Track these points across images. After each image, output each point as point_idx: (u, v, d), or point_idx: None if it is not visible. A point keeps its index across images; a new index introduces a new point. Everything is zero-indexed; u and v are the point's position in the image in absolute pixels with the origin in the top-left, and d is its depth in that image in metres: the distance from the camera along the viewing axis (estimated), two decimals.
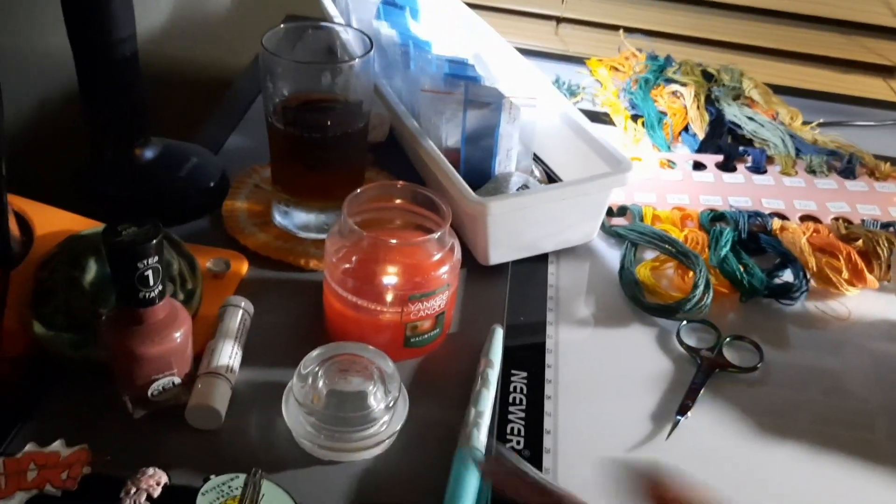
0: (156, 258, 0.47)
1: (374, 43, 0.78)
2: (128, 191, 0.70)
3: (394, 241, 0.57)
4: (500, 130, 0.69)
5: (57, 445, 0.50)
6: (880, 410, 0.60)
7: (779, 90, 1.04)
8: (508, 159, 0.72)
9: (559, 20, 1.23)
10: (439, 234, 0.57)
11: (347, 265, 0.58)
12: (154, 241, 0.47)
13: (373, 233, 0.57)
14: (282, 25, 0.65)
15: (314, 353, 0.54)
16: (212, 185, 0.73)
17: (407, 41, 0.76)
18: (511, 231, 0.67)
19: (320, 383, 0.53)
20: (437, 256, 0.58)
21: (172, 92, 1.10)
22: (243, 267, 0.66)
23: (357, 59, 0.62)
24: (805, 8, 1.19)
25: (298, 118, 0.63)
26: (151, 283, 0.48)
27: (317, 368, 0.53)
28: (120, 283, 0.48)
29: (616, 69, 1.07)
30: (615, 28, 1.16)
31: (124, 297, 0.49)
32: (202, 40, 1.18)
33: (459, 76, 0.71)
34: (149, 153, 0.71)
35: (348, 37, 0.68)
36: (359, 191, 0.59)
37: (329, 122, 0.64)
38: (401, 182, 0.61)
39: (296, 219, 0.69)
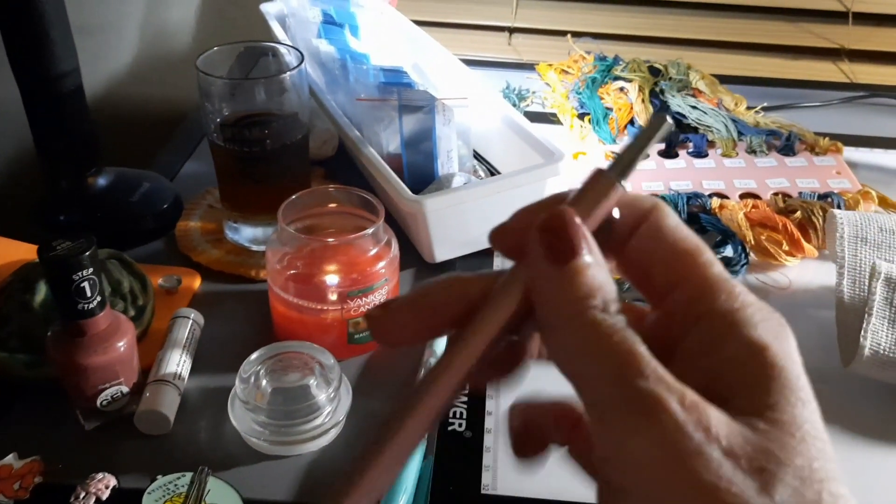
0: (90, 270, 0.49)
1: (315, 60, 0.81)
2: (84, 218, 0.73)
3: (330, 240, 0.60)
4: (437, 133, 0.72)
5: (10, 459, 0.52)
6: (825, 376, 0.62)
7: (731, 80, 1.06)
8: (450, 161, 0.74)
9: (511, 30, 1.26)
10: (373, 229, 0.59)
11: (291, 271, 0.60)
12: (87, 254, 0.49)
13: (311, 236, 0.59)
14: (216, 48, 0.68)
15: (253, 355, 0.56)
16: (165, 207, 0.75)
17: (344, 55, 0.79)
18: (453, 227, 0.69)
19: (263, 382, 0.55)
20: (374, 252, 0.60)
21: (137, 126, 1.13)
22: (195, 282, 0.69)
23: (288, 73, 0.65)
24: None
25: (237, 134, 0.66)
26: (89, 294, 0.50)
27: (258, 368, 0.55)
28: (59, 297, 0.50)
29: (565, 72, 1.10)
30: (565, 34, 1.19)
31: (65, 310, 0.51)
32: (166, 76, 1.21)
33: (393, 83, 0.74)
34: (102, 181, 0.74)
35: (290, 56, 0.71)
36: (294, 197, 0.61)
37: (267, 136, 0.66)
38: (334, 185, 0.63)
39: (245, 233, 0.72)
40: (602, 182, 0.23)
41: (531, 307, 0.23)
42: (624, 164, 0.24)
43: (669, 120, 0.24)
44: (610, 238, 0.24)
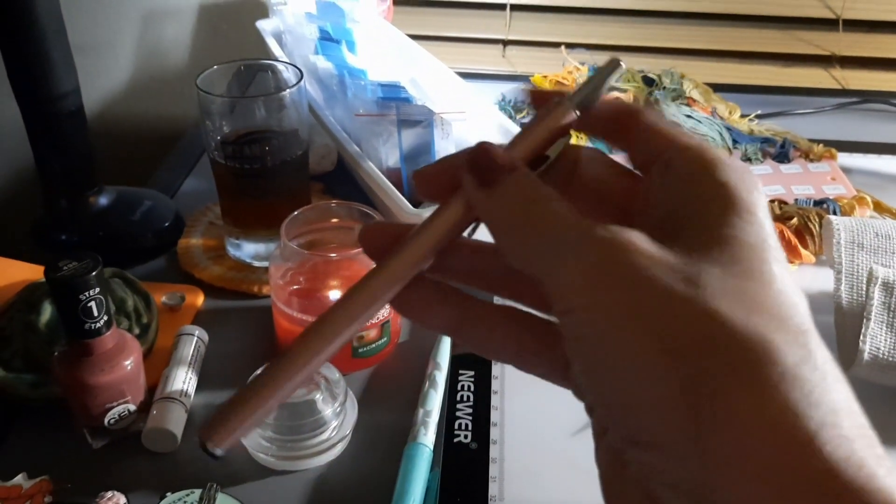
0: (97, 290, 0.50)
1: (313, 76, 0.82)
2: (84, 237, 0.73)
3: (333, 255, 0.60)
4: (436, 146, 0.72)
5: (19, 479, 0.52)
6: None
7: (723, 88, 1.07)
8: None
9: (505, 43, 1.27)
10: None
11: (293, 286, 0.61)
12: (93, 274, 0.49)
13: (313, 251, 0.60)
14: (216, 66, 0.68)
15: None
16: (166, 225, 0.76)
17: (342, 71, 0.80)
18: None
19: None
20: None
21: (135, 144, 1.13)
22: (199, 299, 0.69)
23: (287, 91, 0.66)
24: (741, 8, 1.23)
25: (237, 151, 0.66)
26: (96, 314, 0.50)
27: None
28: (66, 317, 0.51)
29: (560, 83, 1.11)
30: (558, 45, 1.20)
31: (72, 330, 0.51)
32: (162, 94, 1.21)
33: (391, 98, 0.74)
34: (102, 200, 0.74)
35: (288, 74, 0.71)
36: (296, 213, 0.62)
37: (267, 153, 0.67)
38: (335, 200, 0.64)
39: (247, 249, 0.72)
40: (555, 108, 0.26)
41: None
42: (577, 96, 0.26)
43: (622, 65, 0.27)
44: (566, 158, 0.27)
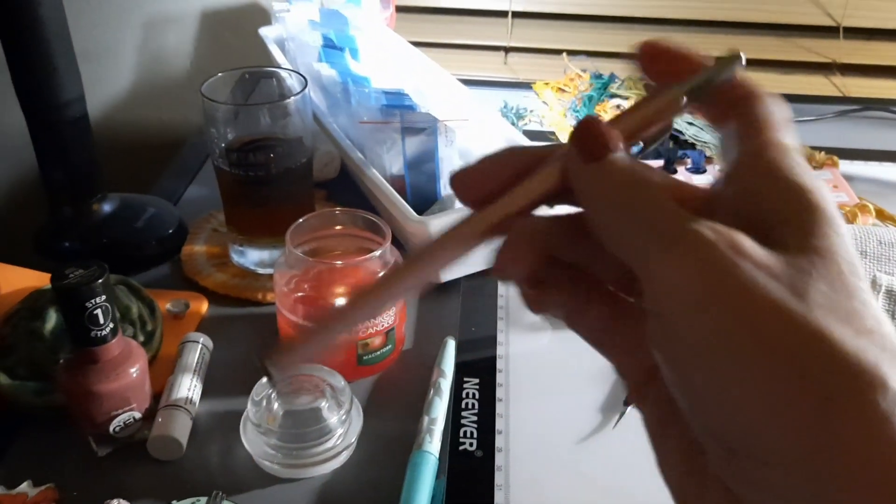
0: (103, 297, 0.50)
1: (317, 84, 0.82)
2: (88, 244, 0.73)
3: (338, 263, 0.60)
4: (440, 154, 0.73)
5: (24, 487, 0.52)
6: None
7: None
8: None
9: (507, 50, 1.28)
10: (380, 251, 0.60)
11: (298, 293, 0.61)
12: (100, 281, 0.49)
13: (318, 258, 0.60)
14: (220, 74, 0.69)
15: (265, 378, 0.56)
16: (170, 232, 0.76)
17: (346, 78, 0.80)
18: None
19: (275, 405, 0.55)
20: (381, 274, 0.60)
21: (136, 151, 1.14)
22: (203, 306, 0.69)
23: (292, 98, 0.66)
24: (742, 15, 1.24)
25: (242, 159, 0.66)
26: (102, 321, 0.50)
27: (270, 391, 0.56)
28: (72, 324, 0.51)
29: (562, 90, 1.11)
30: (560, 52, 1.20)
31: (77, 337, 0.51)
32: (164, 101, 1.22)
33: (395, 106, 0.75)
34: (106, 207, 0.74)
35: (292, 81, 0.71)
36: (301, 220, 0.62)
37: (271, 160, 0.67)
38: (340, 208, 0.64)
39: (251, 256, 0.72)
40: (665, 93, 0.26)
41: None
42: (691, 84, 0.25)
43: (742, 59, 0.26)
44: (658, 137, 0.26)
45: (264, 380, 0.53)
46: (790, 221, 0.22)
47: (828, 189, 0.22)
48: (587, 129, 0.24)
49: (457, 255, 0.26)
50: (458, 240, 0.26)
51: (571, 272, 0.28)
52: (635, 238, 0.22)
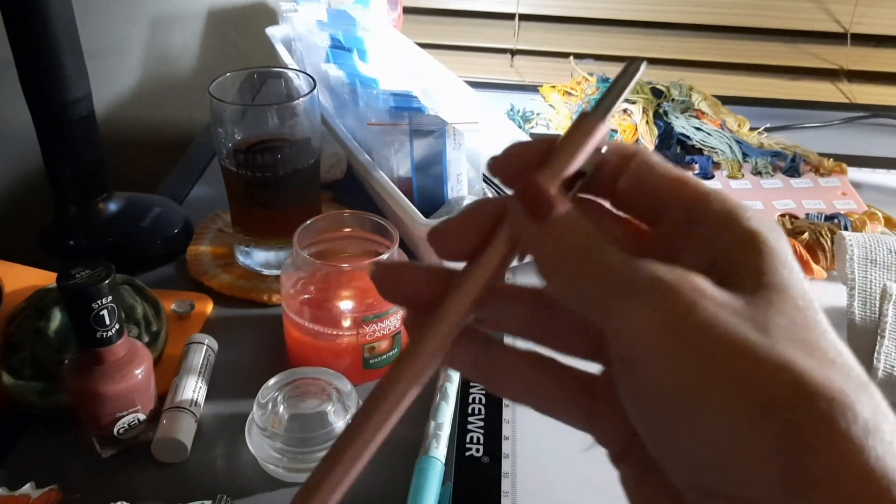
0: (109, 298, 0.49)
1: (325, 84, 0.82)
2: (93, 243, 0.73)
3: (345, 265, 0.60)
4: (448, 156, 0.72)
5: (27, 488, 0.51)
6: None
7: (730, 101, 1.07)
8: (459, 184, 0.75)
9: (513, 52, 1.27)
10: (388, 254, 0.59)
11: (304, 296, 0.60)
12: (106, 282, 0.49)
13: (325, 261, 0.59)
14: (228, 73, 0.68)
15: (271, 381, 0.56)
16: (175, 232, 0.75)
17: (354, 80, 0.79)
18: None
19: (280, 408, 0.55)
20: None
21: (141, 150, 1.13)
22: (208, 307, 0.69)
23: (300, 99, 0.65)
24: (750, 21, 1.23)
25: (249, 159, 0.66)
26: (108, 322, 0.50)
27: (276, 394, 0.55)
28: (77, 325, 0.50)
29: (569, 94, 1.11)
30: (566, 56, 1.20)
31: (83, 338, 0.51)
32: (169, 100, 1.21)
33: (404, 108, 0.74)
34: (112, 206, 0.74)
35: (299, 81, 0.71)
36: (309, 222, 0.62)
37: (279, 161, 0.66)
38: (348, 210, 0.64)
39: (257, 257, 0.72)
40: (586, 123, 0.26)
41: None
42: (605, 105, 0.26)
43: (643, 66, 0.26)
44: (601, 173, 0.26)
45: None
46: (742, 265, 0.23)
47: (777, 227, 0.23)
48: (529, 191, 0.24)
49: (429, 368, 0.26)
50: (427, 356, 0.26)
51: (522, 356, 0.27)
52: (593, 291, 0.23)
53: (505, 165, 0.26)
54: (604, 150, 0.26)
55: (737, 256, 0.23)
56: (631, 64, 0.26)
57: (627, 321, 0.21)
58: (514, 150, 0.26)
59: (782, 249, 0.23)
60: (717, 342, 0.20)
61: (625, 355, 0.22)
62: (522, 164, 0.26)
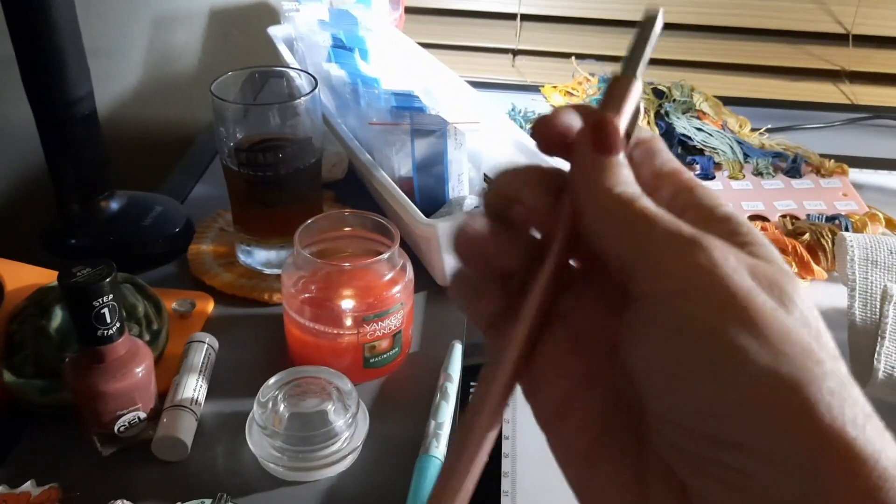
0: (110, 296, 0.49)
1: (326, 84, 0.82)
2: (95, 242, 0.73)
3: (346, 264, 0.60)
4: (449, 156, 0.72)
5: (27, 486, 0.52)
6: None
7: (732, 102, 1.07)
8: (461, 184, 0.75)
9: (515, 52, 1.27)
10: (389, 254, 0.59)
11: (305, 294, 0.60)
12: (107, 280, 0.49)
13: (326, 260, 0.60)
14: (230, 73, 0.68)
15: (272, 379, 0.56)
16: (176, 231, 0.76)
17: (356, 79, 0.80)
18: None
19: (281, 407, 0.55)
20: (389, 276, 0.60)
21: (143, 148, 1.13)
22: (209, 306, 0.69)
23: (301, 98, 0.65)
24: (752, 22, 1.23)
25: (251, 158, 0.66)
26: (109, 320, 0.50)
27: (276, 393, 0.55)
28: (79, 323, 0.50)
29: (570, 94, 1.11)
30: (568, 56, 1.20)
31: (84, 336, 0.51)
32: (171, 99, 1.21)
33: (405, 107, 0.74)
34: (114, 205, 0.74)
35: (301, 81, 0.71)
36: (310, 221, 0.62)
37: (280, 160, 0.66)
38: (349, 210, 0.64)
39: (258, 256, 0.72)
40: (622, 83, 0.26)
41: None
42: (634, 61, 0.26)
43: (660, 14, 0.26)
44: (635, 126, 0.27)
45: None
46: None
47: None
48: (599, 126, 0.25)
49: (511, 385, 0.26)
50: (508, 368, 0.26)
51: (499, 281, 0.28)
52: (638, 231, 0.24)
53: (547, 128, 0.27)
54: (641, 113, 0.27)
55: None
56: (647, 13, 0.26)
57: (665, 264, 0.23)
58: (555, 116, 0.27)
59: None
60: (748, 298, 0.22)
61: (646, 287, 0.23)
62: (564, 128, 0.26)
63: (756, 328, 0.21)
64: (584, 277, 0.28)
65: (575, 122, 0.26)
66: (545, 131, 0.27)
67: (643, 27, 0.26)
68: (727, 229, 0.24)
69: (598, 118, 0.25)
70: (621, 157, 0.25)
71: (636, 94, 0.26)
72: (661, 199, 0.25)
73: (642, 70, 0.26)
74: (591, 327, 0.26)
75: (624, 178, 0.25)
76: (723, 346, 0.21)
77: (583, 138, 0.25)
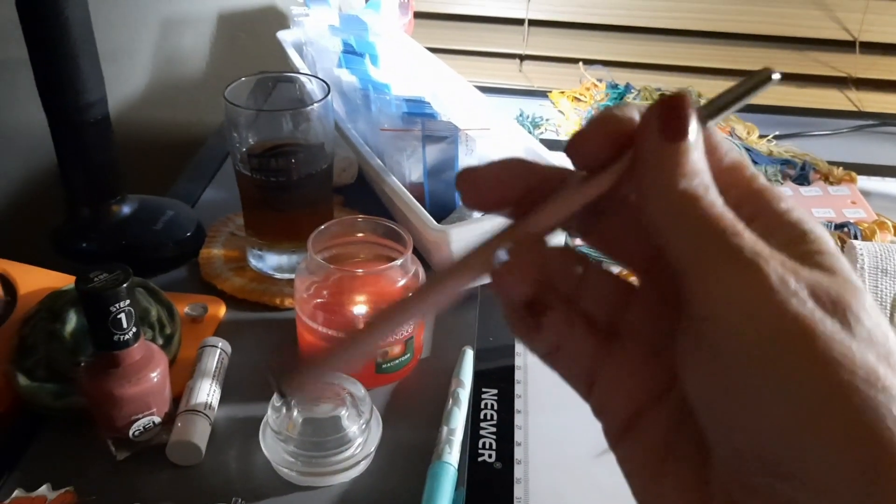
0: (127, 301, 0.50)
1: (337, 89, 0.82)
2: (106, 246, 0.73)
3: (359, 270, 0.60)
4: (460, 162, 0.72)
5: (43, 490, 0.52)
6: None
7: (740, 108, 1.07)
8: None
9: (522, 58, 1.28)
10: (401, 260, 0.60)
11: (317, 300, 0.61)
12: (124, 286, 0.49)
13: (339, 265, 0.60)
14: (243, 78, 0.69)
15: (277, 394, 0.56)
16: (188, 235, 0.76)
17: (367, 85, 0.80)
18: None
19: (295, 412, 0.55)
20: (402, 282, 0.60)
21: (151, 152, 1.14)
22: (221, 310, 0.69)
23: (315, 104, 0.66)
24: (758, 28, 1.24)
25: (263, 164, 0.66)
26: (125, 325, 0.50)
27: (290, 398, 0.55)
28: (95, 328, 0.50)
29: (578, 99, 1.11)
30: (575, 61, 1.20)
31: (100, 341, 0.51)
32: (179, 102, 1.22)
33: (416, 113, 0.75)
34: (125, 209, 0.74)
35: (312, 86, 0.71)
36: (323, 227, 0.62)
37: (293, 166, 0.67)
38: (362, 216, 0.64)
39: (269, 261, 0.72)
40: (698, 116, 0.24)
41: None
42: (715, 107, 0.24)
43: (776, 75, 0.24)
44: None
45: (276, 395, 0.53)
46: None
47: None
48: (670, 107, 0.23)
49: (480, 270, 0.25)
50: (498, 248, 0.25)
51: (563, 303, 0.27)
52: (699, 239, 0.22)
53: (479, 185, 0.26)
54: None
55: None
56: (760, 72, 0.24)
57: (722, 283, 0.22)
58: (492, 172, 0.26)
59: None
60: (805, 325, 0.21)
61: (709, 310, 0.22)
62: (500, 192, 0.25)
63: (814, 357, 0.20)
64: (652, 290, 0.27)
65: (511, 179, 0.25)
66: (472, 189, 0.26)
67: (752, 79, 0.24)
68: (793, 235, 0.23)
69: (671, 97, 0.23)
70: (692, 141, 0.23)
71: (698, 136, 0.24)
72: (728, 201, 0.24)
73: (718, 119, 0.24)
74: (661, 342, 0.26)
75: (692, 169, 0.23)
76: (778, 380, 0.20)
77: (650, 119, 0.23)
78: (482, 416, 0.60)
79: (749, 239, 0.22)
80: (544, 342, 0.27)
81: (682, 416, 0.25)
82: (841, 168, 0.90)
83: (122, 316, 0.50)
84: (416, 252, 0.68)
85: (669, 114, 0.23)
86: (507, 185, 0.25)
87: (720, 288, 0.22)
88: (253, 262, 0.73)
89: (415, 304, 0.26)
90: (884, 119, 1.09)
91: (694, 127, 0.23)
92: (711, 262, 0.22)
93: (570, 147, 0.25)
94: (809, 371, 0.20)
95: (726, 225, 0.22)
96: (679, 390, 0.25)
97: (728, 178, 0.24)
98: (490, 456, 0.56)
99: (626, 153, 0.24)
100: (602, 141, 0.24)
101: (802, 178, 0.88)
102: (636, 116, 0.24)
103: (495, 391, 0.62)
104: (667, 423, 0.25)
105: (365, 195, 0.85)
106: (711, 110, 0.24)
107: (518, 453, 0.57)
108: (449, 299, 0.26)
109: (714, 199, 0.23)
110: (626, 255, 0.27)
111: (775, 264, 0.21)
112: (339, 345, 0.26)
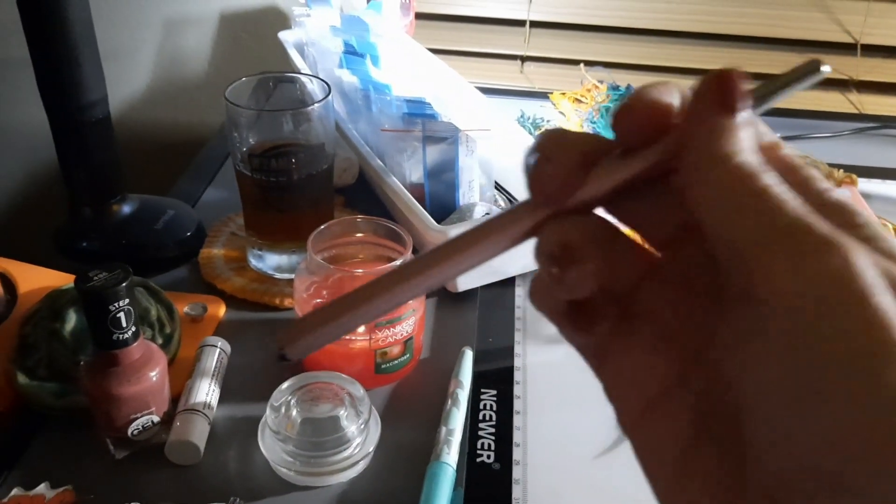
0: (126, 301, 0.50)
1: (338, 90, 0.82)
2: (107, 245, 0.73)
3: (359, 271, 0.60)
4: (460, 163, 0.73)
5: (42, 488, 0.52)
6: None
7: None
8: (471, 191, 0.75)
9: (523, 59, 1.28)
10: (401, 261, 0.60)
11: (317, 300, 0.61)
12: (124, 285, 0.49)
13: (339, 266, 0.60)
14: (244, 78, 0.69)
15: (285, 384, 0.56)
16: (188, 234, 0.76)
17: (367, 86, 0.80)
18: None
19: (293, 412, 0.55)
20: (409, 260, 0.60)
21: (152, 152, 1.14)
22: (220, 310, 0.69)
23: (315, 105, 0.66)
24: (760, 30, 1.24)
25: (264, 164, 0.66)
26: (124, 324, 0.51)
27: (289, 398, 0.56)
28: (94, 327, 0.51)
29: (579, 101, 1.11)
30: (577, 63, 1.20)
31: (100, 340, 0.51)
32: (180, 102, 1.22)
33: (417, 114, 0.75)
34: (126, 209, 0.74)
35: (313, 86, 0.71)
36: (323, 227, 0.62)
37: (293, 166, 0.67)
38: (361, 216, 0.64)
39: (269, 261, 0.72)
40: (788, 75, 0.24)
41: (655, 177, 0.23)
42: (759, 93, 0.24)
43: (826, 68, 0.24)
44: None
45: (277, 358, 0.53)
46: None
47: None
48: (723, 80, 0.22)
49: (507, 243, 0.24)
50: (517, 224, 0.24)
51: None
52: (755, 217, 0.20)
53: (633, 113, 0.23)
54: None
55: None
56: (812, 62, 0.24)
57: (795, 260, 0.19)
58: (642, 98, 0.23)
59: None
60: (884, 314, 0.18)
61: (783, 296, 0.19)
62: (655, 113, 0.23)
63: (892, 355, 0.18)
64: (671, 269, 0.25)
65: (674, 99, 0.23)
66: (624, 120, 0.23)
67: (799, 70, 0.24)
68: (840, 220, 0.20)
69: (724, 70, 0.22)
70: (746, 116, 0.22)
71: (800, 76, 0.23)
72: None
73: (761, 108, 0.23)
74: (680, 325, 0.24)
75: (747, 145, 0.21)
76: (856, 375, 0.18)
77: (705, 91, 0.22)
78: (481, 417, 0.60)
79: (818, 216, 0.20)
80: (586, 337, 0.26)
81: (710, 411, 0.23)
82: (842, 171, 0.89)
83: (122, 315, 0.50)
84: (416, 252, 0.69)
85: (726, 86, 0.22)
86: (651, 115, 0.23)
87: (790, 264, 0.19)
88: (253, 262, 0.73)
89: (426, 268, 0.25)
90: (885, 122, 1.09)
91: (749, 102, 0.22)
92: (778, 238, 0.20)
93: (616, 120, 0.23)
94: (889, 373, 0.18)
95: (791, 202, 0.20)
96: (705, 381, 0.23)
97: (765, 155, 0.23)
98: (489, 457, 0.56)
99: (671, 129, 0.23)
100: (648, 114, 0.23)
101: None
102: (676, 94, 0.23)
103: (494, 392, 0.62)
104: (691, 416, 0.23)
105: (365, 196, 0.85)
106: (756, 96, 0.23)
107: (517, 454, 0.57)
108: (463, 268, 0.25)
109: (772, 178, 0.21)
110: (651, 231, 0.26)
111: (854, 244, 0.19)
112: (341, 301, 0.25)
